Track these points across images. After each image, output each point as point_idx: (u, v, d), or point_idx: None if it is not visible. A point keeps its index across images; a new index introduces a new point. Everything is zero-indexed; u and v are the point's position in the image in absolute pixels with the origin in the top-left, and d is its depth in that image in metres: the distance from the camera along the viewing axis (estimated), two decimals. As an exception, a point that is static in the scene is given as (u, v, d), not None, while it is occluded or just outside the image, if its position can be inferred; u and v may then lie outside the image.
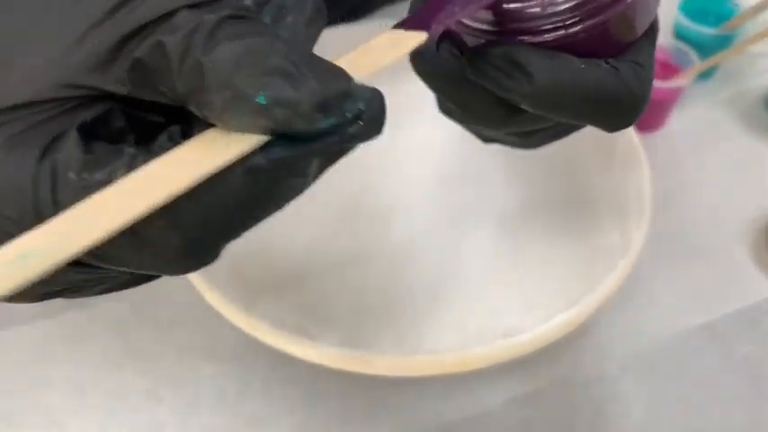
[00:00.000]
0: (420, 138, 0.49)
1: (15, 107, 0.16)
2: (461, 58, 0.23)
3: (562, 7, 0.21)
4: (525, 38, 0.21)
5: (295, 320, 0.39)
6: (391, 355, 0.36)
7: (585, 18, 0.21)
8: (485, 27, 0.22)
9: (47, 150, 0.16)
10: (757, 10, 0.53)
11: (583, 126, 0.25)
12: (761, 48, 0.56)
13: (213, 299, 0.38)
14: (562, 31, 0.21)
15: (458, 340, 0.40)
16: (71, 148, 0.16)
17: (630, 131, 0.46)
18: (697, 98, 0.58)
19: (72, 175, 0.15)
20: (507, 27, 0.22)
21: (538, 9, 0.21)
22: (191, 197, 0.15)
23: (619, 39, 0.22)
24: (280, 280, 0.42)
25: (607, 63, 0.22)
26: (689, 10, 0.57)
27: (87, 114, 0.16)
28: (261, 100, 0.15)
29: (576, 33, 0.21)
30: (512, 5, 0.21)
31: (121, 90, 0.17)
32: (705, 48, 0.54)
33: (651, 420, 0.40)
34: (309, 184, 0.17)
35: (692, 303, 0.45)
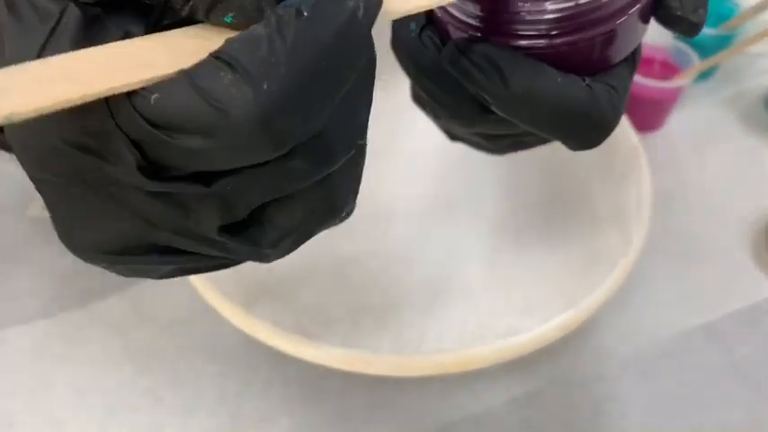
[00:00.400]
0: (420, 138, 0.49)
1: None
2: (442, 48, 0.23)
3: (550, 16, 0.21)
4: (509, 40, 0.21)
5: (295, 320, 0.39)
6: (391, 355, 0.36)
7: (571, 32, 0.21)
8: (471, 22, 0.22)
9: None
10: (757, 10, 0.53)
11: (549, 141, 0.25)
12: (761, 48, 0.56)
13: (213, 299, 0.38)
14: (546, 40, 0.21)
15: (458, 340, 0.40)
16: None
17: (630, 131, 0.46)
18: (697, 98, 0.58)
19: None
20: (493, 26, 0.21)
21: (525, 14, 0.21)
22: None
23: (600, 59, 0.22)
24: (280, 280, 0.42)
25: (583, 81, 0.22)
26: (689, 10, 0.57)
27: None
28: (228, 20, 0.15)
29: (560, 45, 0.21)
30: (501, 6, 0.21)
31: None
32: (705, 48, 0.54)
33: (651, 420, 0.40)
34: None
35: (692, 303, 0.45)
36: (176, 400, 0.41)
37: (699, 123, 0.57)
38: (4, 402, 0.40)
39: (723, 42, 0.56)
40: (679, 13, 0.22)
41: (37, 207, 0.50)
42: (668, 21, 0.23)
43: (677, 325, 0.44)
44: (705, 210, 0.50)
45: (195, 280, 0.39)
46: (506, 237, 0.46)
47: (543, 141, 0.27)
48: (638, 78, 0.51)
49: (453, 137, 0.29)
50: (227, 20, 0.15)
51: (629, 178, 0.44)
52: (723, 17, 0.57)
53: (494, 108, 0.22)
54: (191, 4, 0.16)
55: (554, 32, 0.21)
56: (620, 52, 0.23)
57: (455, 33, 0.23)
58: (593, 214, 0.45)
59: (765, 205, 0.50)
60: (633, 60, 0.24)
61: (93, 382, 0.41)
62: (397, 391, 0.41)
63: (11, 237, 0.49)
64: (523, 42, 0.21)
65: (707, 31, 0.55)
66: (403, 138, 0.50)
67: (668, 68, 0.55)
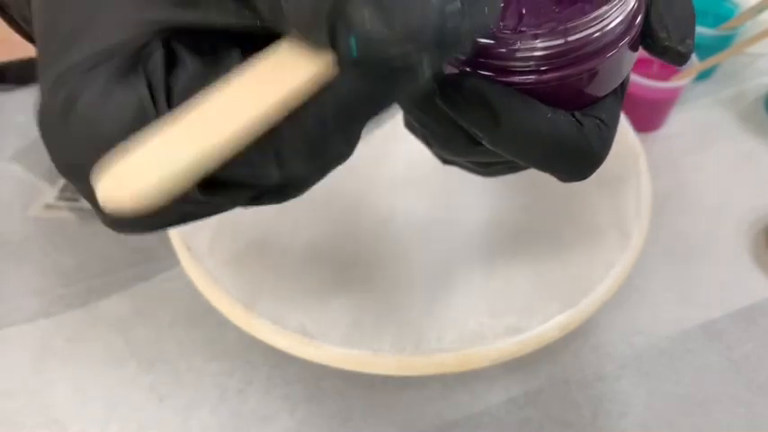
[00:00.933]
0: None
1: (108, 49, 0.17)
2: (433, 82, 0.23)
3: (540, 53, 0.21)
4: (499, 76, 0.21)
5: (295, 320, 0.39)
6: (391, 355, 0.36)
7: (560, 67, 0.21)
8: (462, 57, 0.22)
9: (148, 73, 0.17)
10: (756, 10, 0.53)
11: None
12: (760, 48, 0.56)
13: (214, 298, 0.38)
14: (536, 76, 0.21)
15: (458, 340, 0.40)
16: (185, 64, 0.17)
17: (629, 131, 0.46)
18: (696, 98, 0.58)
19: (180, 86, 0.17)
20: (483, 62, 0.21)
21: (515, 51, 0.21)
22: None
23: (589, 92, 0.23)
24: (280, 279, 0.43)
25: (573, 116, 0.22)
26: (688, 10, 0.57)
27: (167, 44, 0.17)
28: (352, 45, 0.16)
29: (549, 80, 0.21)
30: (491, 42, 0.21)
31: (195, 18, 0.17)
32: (704, 48, 0.54)
33: (650, 420, 0.40)
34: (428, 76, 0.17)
35: (691, 303, 0.45)
36: (178, 399, 0.41)
37: (698, 123, 0.57)
38: (4, 402, 0.40)
39: (722, 42, 0.56)
40: (667, 43, 0.23)
41: (37, 207, 0.50)
42: (656, 51, 0.23)
43: (677, 325, 0.44)
44: (705, 210, 0.51)
45: (197, 279, 0.39)
46: (506, 236, 0.46)
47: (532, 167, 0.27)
48: (637, 78, 0.52)
49: (445, 161, 0.30)
50: (352, 44, 0.16)
51: (629, 178, 0.44)
52: (722, 17, 0.57)
53: (485, 143, 0.22)
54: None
55: (544, 68, 0.21)
56: (609, 85, 0.23)
57: (446, 68, 0.23)
58: (593, 214, 0.45)
59: (765, 205, 0.50)
60: (621, 91, 0.24)
61: (95, 382, 0.41)
62: (397, 391, 0.41)
63: (11, 237, 0.49)
64: (514, 78, 0.21)
65: (706, 31, 0.55)
66: (402, 140, 0.50)
67: (667, 68, 0.55)
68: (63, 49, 0.17)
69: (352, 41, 0.16)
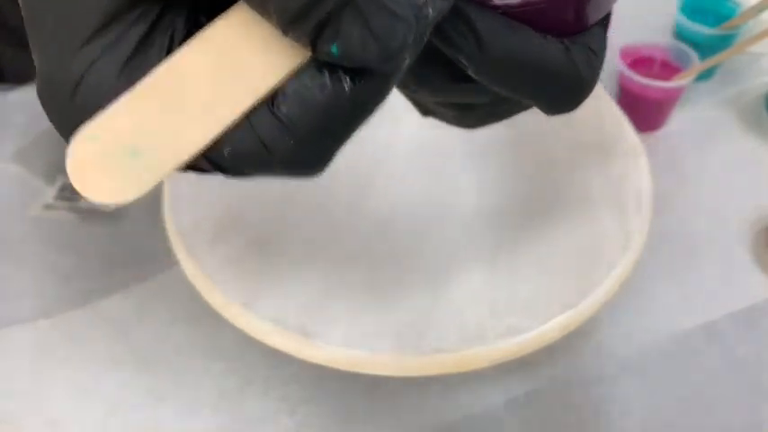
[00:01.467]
0: (420, 136, 0.49)
1: (109, 24, 0.17)
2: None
3: None
4: None
5: (295, 319, 0.39)
6: (391, 355, 0.36)
7: None
8: None
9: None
10: (757, 10, 0.53)
11: (525, 108, 0.25)
12: (761, 48, 0.56)
13: (213, 298, 0.38)
14: None
15: (458, 340, 0.40)
16: None
17: (630, 131, 0.46)
18: (697, 98, 0.58)
19: None
20: None
21: None
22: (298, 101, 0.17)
23: (577, 18, 0.22)
24: (280, 279, 0.42)
25: (562, 43, 0.21)
26: (689, 10, 0.57)
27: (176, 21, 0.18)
28: (333, 50, 0.16)
29: (537, 3, 0.20)
30: None
31: None
32: (705, 48, 0.54)
33: (651, 420, 0.40)
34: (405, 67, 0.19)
35: (692, 303, 0.45)
36: (177, 400, 0.41)
37: (699, 123, 0.57)
38: (4, 402, 0.40)
39: (724, 42, 0.56)
40: None
41: (36, 207, 0.50)
42: None
43: (677, 325, 0.44)
44: (705, 210, 0.50)
45: (196, 279, 0.39)
46: (506, 237, 0.46)
47: (516, 112, 0.26)
48: (638, 78, 0.51)
49: (426, 111, 0.29)
50: (333, 50, 0.16)
51: (629, 178, 0.44)
52: (723, 17, 0.57)
53: (470, 72, 0.21)
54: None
55: None
56: (596, 13, 0.22)
57: None
58: (593, 214, 0.45)
59: (765, 205, 0.50)
60: (607, 21, 0.23)
61: (94, 382, 0.41)
62: (397, 391, 0.41)
63: (11, 237, 0.49)
64: (499, 1, 0.20)
65: (708, 30, 0.55)
66: (401, 139, 0.50)
67: (668, 68, 0.55)
68: (55, 25, 0.17)
69: (334, 48, 0.16)
